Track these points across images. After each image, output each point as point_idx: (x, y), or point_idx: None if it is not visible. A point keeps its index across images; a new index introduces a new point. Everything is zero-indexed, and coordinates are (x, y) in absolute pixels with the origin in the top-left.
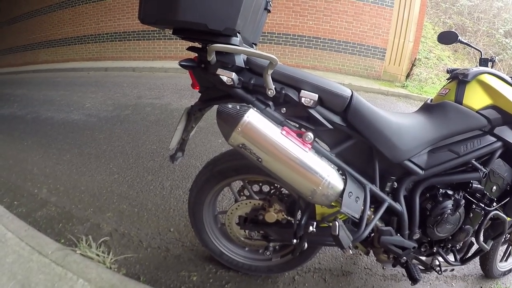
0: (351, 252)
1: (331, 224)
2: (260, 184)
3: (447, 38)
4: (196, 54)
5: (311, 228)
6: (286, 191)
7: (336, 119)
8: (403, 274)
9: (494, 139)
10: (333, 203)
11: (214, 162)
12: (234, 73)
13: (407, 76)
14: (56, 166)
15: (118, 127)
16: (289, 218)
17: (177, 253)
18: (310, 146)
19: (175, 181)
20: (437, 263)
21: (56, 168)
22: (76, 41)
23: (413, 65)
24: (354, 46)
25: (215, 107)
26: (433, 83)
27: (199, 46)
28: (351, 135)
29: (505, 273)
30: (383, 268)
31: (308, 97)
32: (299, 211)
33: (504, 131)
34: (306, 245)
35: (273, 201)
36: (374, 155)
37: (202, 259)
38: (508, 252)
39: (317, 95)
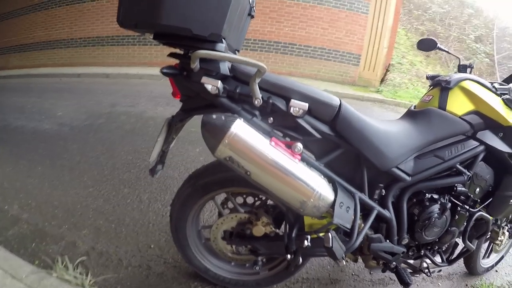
0: (344, 263)
1: (321, 234)
2: (244, 195)
3: (426, 45)
4: (177, 61)
5: (306, 242)
6: (272, 202)
7: (325, 128)
8: (390, 278)
9: (477, 143)
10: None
11: (197, 176)
12: (219, 82)
13: (381, 81)
14: (28, 179)
15: (92, 136)
16: (277, 230)
17: (160, 271)
18: (299, 157)
19: (153, 194)
20: (425, 265)
21: (27, 182)
22: (49, 45)
23: (387, 70)
24: (329, 52)
25: (197, 116)
26: (407, 88)
27: (181, 52)
28: (339, 144)
29: (488, 269)
30: (370, 273)
31: (297, 106)
32: (287, 223)
33: (486, 135)
34: (301, 259)
35: (260, 214)
36: (362, 164)
37: (186, 276)
38: (490, 248)
39: (307, 104)
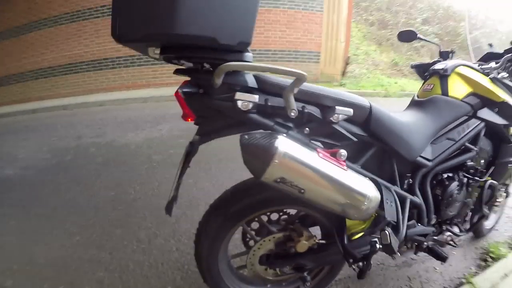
0: (399, 254)
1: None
2: (268, 213)
3: (407, 36)
4: (186, 78)
5: (377, 246)
6: (302, 213)
7: (358, 130)
8: (411, 258)
9: (478, 121)
10: None
11: (224, 204)
12: (257, 96)
13: (343, 74)
14: (2, 238)
15: (63, 176)
16: (319, 241)
17: None
18: (345, 164)
19: (150, 229)
20: (449, 238)
21: (2, 241)
22: None
23: (347, 63)
24: (289, 53)
25: (169, 135)
26: (367, 77)
27: (182, 67)
28: (372, 144)
29: (490, 230)
30: (392, 258)
31: (342, 113)
32: (335, 232)
33: (484, 112)
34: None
35: (300, 229)
36: (392, 158)
37: None
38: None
39: (351, 110)
